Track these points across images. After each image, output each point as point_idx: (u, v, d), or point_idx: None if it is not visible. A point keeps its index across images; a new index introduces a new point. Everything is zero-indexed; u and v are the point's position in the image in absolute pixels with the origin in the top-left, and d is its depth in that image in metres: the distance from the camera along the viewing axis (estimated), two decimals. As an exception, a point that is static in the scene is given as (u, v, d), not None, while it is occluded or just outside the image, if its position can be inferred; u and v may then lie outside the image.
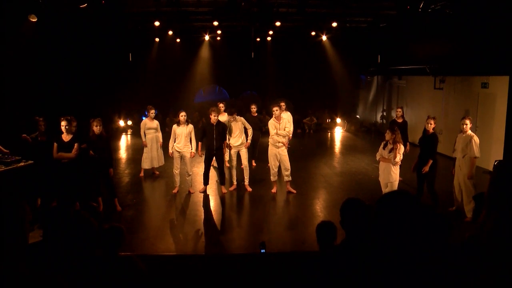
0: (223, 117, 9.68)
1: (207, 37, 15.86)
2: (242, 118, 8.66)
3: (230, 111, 8.66)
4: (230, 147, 8.50)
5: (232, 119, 8.48)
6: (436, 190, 6.97)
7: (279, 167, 8.23)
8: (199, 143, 8.21)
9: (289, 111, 10.10)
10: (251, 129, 8.63)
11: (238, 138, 8.46)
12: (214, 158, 8.35)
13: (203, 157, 8.36)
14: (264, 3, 9.95)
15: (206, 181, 8.25)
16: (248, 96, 18.03)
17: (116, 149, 12.98)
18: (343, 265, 2.33)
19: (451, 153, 7.32)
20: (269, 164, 8.40)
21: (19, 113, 8.83)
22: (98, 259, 2.75)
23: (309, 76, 18.05)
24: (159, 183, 9.20)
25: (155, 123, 9.45)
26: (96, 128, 6.99)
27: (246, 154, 8.56)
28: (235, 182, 8.61)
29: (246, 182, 8.54)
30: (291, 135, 9.71)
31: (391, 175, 6.63)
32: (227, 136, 8.52)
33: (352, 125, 17.60)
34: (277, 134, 8.00)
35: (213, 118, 7.95)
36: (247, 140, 8.64)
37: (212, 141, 7.98)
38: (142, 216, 7.22)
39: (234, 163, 8.57)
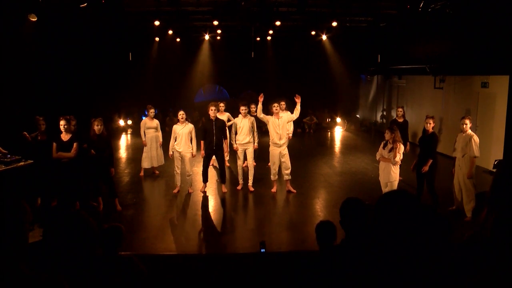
0: (223, 117, 9.67)
1: (207, 37, 15.86)
2: (253, 118, 8.53)
3: (242, 103, 8.46)
4: (236, 148, 8.43)
5: (244, 114, 8.31)
6: (436, 189, 6.97)
7: (279, 166, 8.22)
8: (201, 141, 8.11)
9: (289, 111, 10.08)
10: (256, 133, 8.51)
11: (245, 136, 8.31)
12: (214, 157, 8.34)
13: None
14: (264, 2, 9.95)
15: (205, 179, 8.19)
16: (247, 96, 18.02)
17: (116, 148, 12.98)
18: (342, 264, 2.33)
19: (451, 153, 7.32)
20: (269, 164, 8.40)
21: (19, 113, 8.83)
22: (98, 258, 2.75)
23: (309, 76, 18.04)
24: (159, 182, 9.20)
25: (155, 123, 9.46)
26: (97, 128, 6.98)
27: (252, 153, 8.45)
28: (241, 181, 8.54)
29: (250, 182, 8.44)
30: (291, 134, 9.71)
31: (391, 175, 6.63)
32: (233, 136, 8.51)
33: (352, 124, 17.61)
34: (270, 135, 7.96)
35: (211, 113, 7.89)
36: (254, 141, 8.51)
37: (212, 137, 7.91)
38: (142, 216, 7.22)
39: (241, 162, 8.49)
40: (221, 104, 9.83)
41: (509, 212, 1.94)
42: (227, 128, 8.84)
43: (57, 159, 6.76)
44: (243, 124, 8.32)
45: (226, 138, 8.34)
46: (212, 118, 7.92)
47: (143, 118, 10.14)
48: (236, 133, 8.55)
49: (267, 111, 8.27)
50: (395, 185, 6.68)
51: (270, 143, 8.11)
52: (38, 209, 6.90)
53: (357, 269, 2.06)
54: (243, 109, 8.33)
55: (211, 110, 7.92)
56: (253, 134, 8.49)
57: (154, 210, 7.58)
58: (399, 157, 6.57)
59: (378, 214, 1.85)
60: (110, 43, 14.00)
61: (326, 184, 9.12)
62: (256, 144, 8.56)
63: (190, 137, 8.13)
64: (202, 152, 8.10)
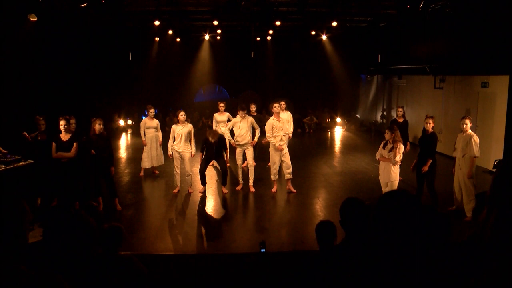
0: (223, 117, 9.67)
1: (207, 37, 15.87)
2: (251, 118, 8.57)
3: (241, 106, 8.46)
4: (235, 145, 8.44)
5: (242, 116, 8.34)
6: (436, 189, 6.97)
7: (280, 166, 8.22)
8: (201, 153, 8.16)
9: (289, 111, 10.09)
10: (259, 129, 8.50)
11: (244, 136, 8.33)
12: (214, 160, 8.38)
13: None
14: (264, 2, 9.94)
15: (203, 181, 8.19)
16: (247, 96, 18.06)
17: (116, 148, 12.98)
18: (343, 264, 2.33)
19: (451, 153, 7.31)
20: (269, 163, 8.41)
21: (19, 113, 8.84)
22: (98, 258, 2.75)
23: (309, 76, 18.05)
24: (159, 182, 9.20)
25: (155, 122, 9.46)
26: (99, 127, 7.02)
27: (252, 153, 8.46)
28: (241, 181, 8.56)
29: (251, 182, 8.46)
30: (291, 134, 9.71)
31: (391, 175, 6.63)
32: (228, 135, 8.52)
33: (352, 124, 17.60)
34: (273, 136, 7.95)
35: (211, 139, 7.84)
36: (253, 139, 8.54)
37: (211, 154, 8.02)
38: (142, 216, 7.22)
39: (240, 162, 8.50)
40: (221, 104, 9.83)
41: (509, 212, 1.93)
42: (225, 128, 8.84)
43: (57, 159, 6.76)
44: (241, 125, 8.33)
45: (226, 149, 8.33)
46: (212, 142, 7.90)
47: (143, 118, 10.14)
48: (231, 131, 8.56)
49: (267, 110, 8.28)
50: (395, 185, 6.68)
51: (270, 143, 8.11)
52: (38, 209, 6.89)
53: (357, 269, 2.06)
54: (241, 113, 8.34)
55: (210, 139, 7.83)
56: (253, 133, 8.52)
57: (154, 210, 7.58)
58: (399, 157, 6.57)
59: (378, 214, 1.85)
60: (110, 43, 14.00)
61: (326, 184, 9.12)
62: (255, 139, 8.54)
63: (189, 137, 8.13)
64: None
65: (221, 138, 8.13)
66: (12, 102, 9.21)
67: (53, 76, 11.20)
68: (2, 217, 1.61)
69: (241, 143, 8.37)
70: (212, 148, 7.93)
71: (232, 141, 8.50)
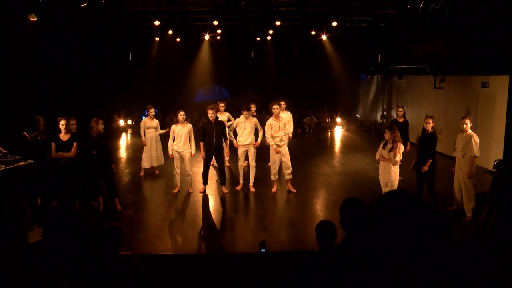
0: (223, 117, 9.67)
1: (207, 37, 15.89)
2: (255, 119, 8.54)
3: (246, 107, 8.43)
4: (237, 146, 8.44)
5: (246, 116, 8.29)
6: (436, 189, 6.97)
7: (280, 166, 8.21)
8: (201, 143, 8.14)
9: (289, 111, 10.09)
10: (262, 130, 8.47)
11: (247, 137, 8.29)
12: (214, 157, 8.34)
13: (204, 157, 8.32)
14: (264, 2, 9.94)
15: (205, 181, 8.21)
16: (247, 96, 18.06)
17: (116, 148, 12.98)
18: (343, 264, 2.33)
19: (451, 153, 7.31)
20: (269, 163, 8.41)
21: (19, 113, 8.84)
22: (98, 258, 2.75)
23: (309, 76, 18.05)
24: (159, 182, 9.20)
25: (155, 122, 9.47)
26: (102, 126, 7.07)
27: (254, 154, 8.43)
28: (241, 181, 8.55)
29: (251, 182, 8.44)
30: (291, 134, 9.71)
31: (391, 175, 6.63)
32: (231, 133, 8.51)
33: (352, 124, 17.60)
34: (272, 137, 7.94)
35: (210, 115, 7.86)
36: (256, 140, 8.51)
37: (212, 140, 7.89)
38: (142, 216, 7.22)
39: (242, 162, 8.49)
40: (221, 104, 9.82)
41: (509, 212, 1.94)
42: (227, 128, 8.82)
43: (57, 159, 6.76)
44: (245, 125, 8.29)
45: (226, 139, 8.35)
46: (212, 120, 7.91)
47: (143, 118, 10.15)
48: (233, 131, 8.55)
49: (267, 110, 8.25)
50: (395, 185, 6.68)
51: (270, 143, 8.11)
52: (38, 209, 6.89)
53: (357, 269, 2.06)
54: (246, 113, 8.30)
55: (210, 113, 7.88)
56: (256, 134, 8.50)
57: (154, 210, 7.58)
58: (399, 157, 6.57)
59: (378, 214, 1.85)
60: (110, 43, 14.01)
61: (326, 184, 9.12)
62: (258, 141, 8.51)
63: (189, 137, 8.13)
64: (202, 153, 8.13)
65: (222, 124, 8.12)
66: (12, 102, 9.21)
67: (53, 76, 11.20)
68: (2, 217, 1.61)
69: (244, 143, 8.33)
70: (212, 133, 7.83)
71: (235, 142, 8.49)
